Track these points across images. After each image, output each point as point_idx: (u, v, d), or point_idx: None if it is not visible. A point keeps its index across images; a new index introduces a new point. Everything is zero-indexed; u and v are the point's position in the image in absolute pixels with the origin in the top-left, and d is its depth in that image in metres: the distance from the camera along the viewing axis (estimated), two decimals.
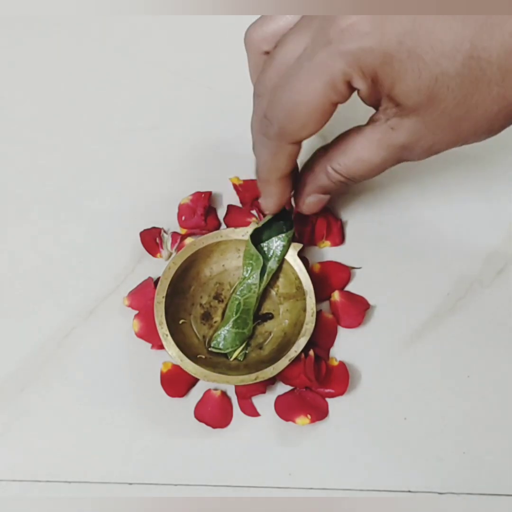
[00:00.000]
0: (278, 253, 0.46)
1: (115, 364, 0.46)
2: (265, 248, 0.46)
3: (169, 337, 0.44)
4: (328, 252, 0.49)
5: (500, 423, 0.45)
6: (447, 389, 0.46)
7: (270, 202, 0.42)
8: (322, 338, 0.46)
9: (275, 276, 0.47)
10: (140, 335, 0.46)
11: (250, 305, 0.46)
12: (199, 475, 0.44)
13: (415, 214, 0.50)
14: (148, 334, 0.46)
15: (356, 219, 0.50)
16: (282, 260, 0.46)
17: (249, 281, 0.46)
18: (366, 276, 0.48)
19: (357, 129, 0.36)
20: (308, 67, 0.31)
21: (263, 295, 0.47)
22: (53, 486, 0.44)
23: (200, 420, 0.45)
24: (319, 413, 0.44)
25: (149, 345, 0.46)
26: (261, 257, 0.45)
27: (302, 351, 0.43)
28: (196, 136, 0.52)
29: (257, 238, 0.46)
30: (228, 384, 0.44)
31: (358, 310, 0.47)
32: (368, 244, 0.49)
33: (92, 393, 0.46)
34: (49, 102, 0.54)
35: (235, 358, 0.45)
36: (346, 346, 0.46)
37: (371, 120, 0.35)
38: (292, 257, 0.46)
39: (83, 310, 0.48)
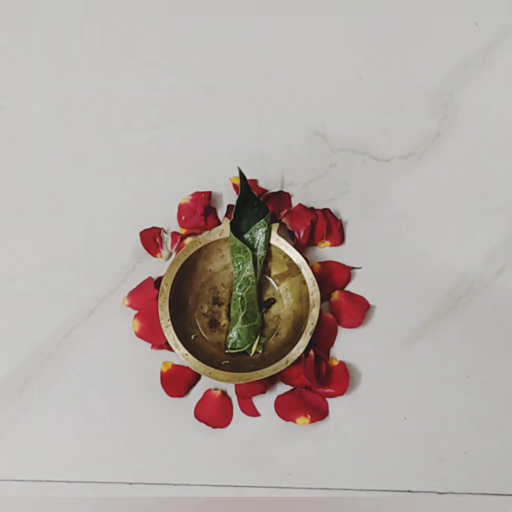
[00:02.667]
0: (263, 239, 0.46)
1: (115, 364, 0.46)
2: (249, 239, 0.47)
3: (190, 355, 0.44)
4: (328, 252, 0.49)
5: (500, 423, 0.45)
6: (447, 389, 0.46)
7: None
8: (322, 338, 0.46)
9: (264, 261, 0.47)
10: (140, 335, 0.46)
11: (253, 297, 0.46)
12: (199, 475, 0.44)
13: (415, 214, 0.50)
14: (148, 334, 0.46)
15: (356, 219, 0.50)
16: (268, 244, 0.46)
17: (244, 274, 0.46)
18: (366, 276, 0.48)
19: None
20: None
21: (259, 284, 0.47)
22: (53, 486, 0.44)
23: (200, 420, 0.45)
24: (319, 413, 0.44)
25: (149, 345, 0.46)
26: (248, 248, 0.46)
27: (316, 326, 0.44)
28: (196, 136, 0.52)
29: (237, 230, 0.46)
30: (262, 378, 0.43)
31: (358, 310, 0.47)
32: (368, 244, 0.49)
33: (92, 393, 0.46)
34: (48, 102, 0.53)
35: (256, 352, 0.45)
36: (346, 346, 0.46)
37: None
38: (273, 237, 0.46)
39: (83, 310, 0.48)
